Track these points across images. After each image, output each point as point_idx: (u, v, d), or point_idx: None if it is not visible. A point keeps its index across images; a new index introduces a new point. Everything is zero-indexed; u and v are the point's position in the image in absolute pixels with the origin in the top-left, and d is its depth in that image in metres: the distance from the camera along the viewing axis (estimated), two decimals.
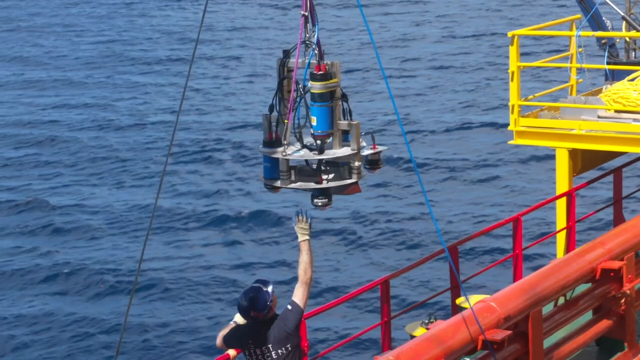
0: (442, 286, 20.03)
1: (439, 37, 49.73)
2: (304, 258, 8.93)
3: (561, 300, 11.89)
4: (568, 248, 15.49)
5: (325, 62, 9.05)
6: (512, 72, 15.31)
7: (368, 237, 27.11)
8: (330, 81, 9.02)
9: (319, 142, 9.06)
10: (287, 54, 9.21)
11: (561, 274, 11.44)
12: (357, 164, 9.13)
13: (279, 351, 8.97)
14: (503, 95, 38.42)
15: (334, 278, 24.61)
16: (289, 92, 9.21)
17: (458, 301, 13.59)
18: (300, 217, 8.98)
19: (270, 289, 8.99)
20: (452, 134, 36.71)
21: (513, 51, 15.23)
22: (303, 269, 8.94)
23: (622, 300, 12.13)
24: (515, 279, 14.17)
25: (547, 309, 11.58)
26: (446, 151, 34.66)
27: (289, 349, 8.97)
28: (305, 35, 9.11)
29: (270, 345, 8.96)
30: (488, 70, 43.89)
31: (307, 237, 8.96)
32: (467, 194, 30.14)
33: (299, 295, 8.98)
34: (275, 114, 9.27)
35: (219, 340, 9.26)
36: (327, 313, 21.31)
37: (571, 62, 16.04)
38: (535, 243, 16.85)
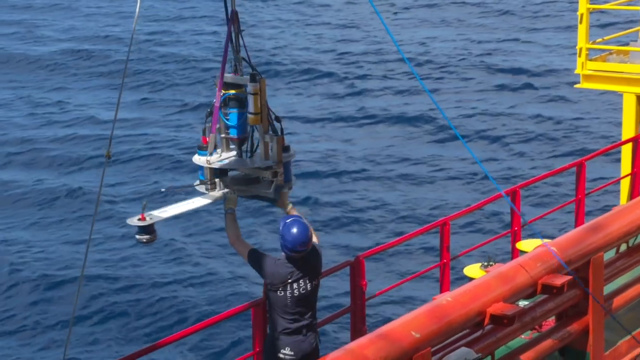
0: (503, 229, 19.96)
1: None
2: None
3: (623, 247, 11.76)
4: (632, 194, 15.30)
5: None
6: (581, 15, 15.04)
7: (426, 179, 27.07)
8: None
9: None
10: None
11: (624, 220, 11.29)
12: None
13: (313, 282, 9.15)
14: (570, 37, 37.89)
15: (394, 219, 24.63)
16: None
17: (518, 245, 13.51)
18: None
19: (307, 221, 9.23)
20: (516, 76, 36.36)
21: None
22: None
23: None
24: (577, 225, 14.03)
25: (609, 255, 11.46)
26: (507, 95, 34.36)
27: (319, 280, 9.20)
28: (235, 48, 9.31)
29: (307, 277, 9.11)
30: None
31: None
32: (530, 139, 29.90)
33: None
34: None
35: (243, 256, 9.30)
36: (386, 253, 21.49)
37: None
38: (599, 189, 16.63)
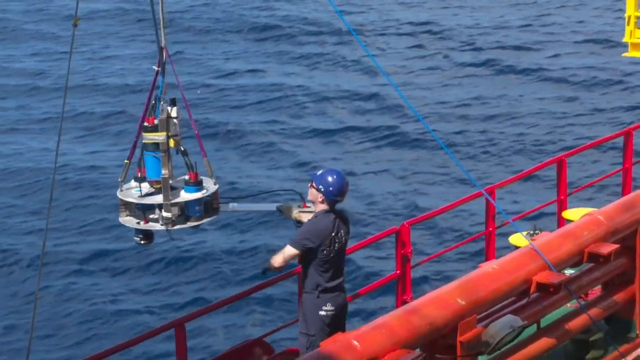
0: (548, 198, 19.86)
1: None
2: None
3: None
4: None
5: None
6: None
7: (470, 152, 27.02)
8: None
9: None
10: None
11: None
12: None
13: (346, 237, 9.45)
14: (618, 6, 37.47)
15: (437, 190, 24.61)
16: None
17: (564, 213, 13.48)
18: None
19: None
20: (563, 45, 36.09)
21: None
22: None
23: None
24: (624, 193, 13.97)
25: None
26: (554, 62, 34.10)
27: (348, 237, 9.49)
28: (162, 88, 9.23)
29: (343, 230, 9.41)
30: None
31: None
32: (576, 107, 29.70)
33: None
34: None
35: (290, 254, 9.35)
36: (431, 221, 21.47)
37: None
38: None
